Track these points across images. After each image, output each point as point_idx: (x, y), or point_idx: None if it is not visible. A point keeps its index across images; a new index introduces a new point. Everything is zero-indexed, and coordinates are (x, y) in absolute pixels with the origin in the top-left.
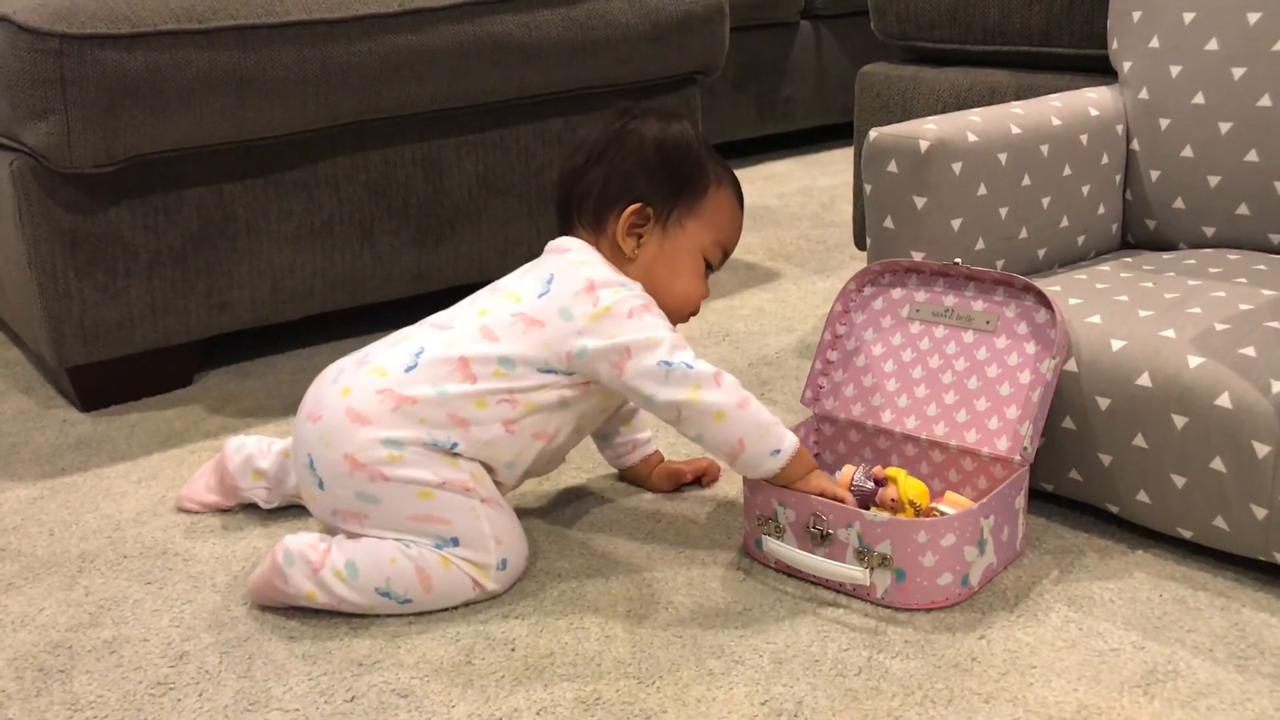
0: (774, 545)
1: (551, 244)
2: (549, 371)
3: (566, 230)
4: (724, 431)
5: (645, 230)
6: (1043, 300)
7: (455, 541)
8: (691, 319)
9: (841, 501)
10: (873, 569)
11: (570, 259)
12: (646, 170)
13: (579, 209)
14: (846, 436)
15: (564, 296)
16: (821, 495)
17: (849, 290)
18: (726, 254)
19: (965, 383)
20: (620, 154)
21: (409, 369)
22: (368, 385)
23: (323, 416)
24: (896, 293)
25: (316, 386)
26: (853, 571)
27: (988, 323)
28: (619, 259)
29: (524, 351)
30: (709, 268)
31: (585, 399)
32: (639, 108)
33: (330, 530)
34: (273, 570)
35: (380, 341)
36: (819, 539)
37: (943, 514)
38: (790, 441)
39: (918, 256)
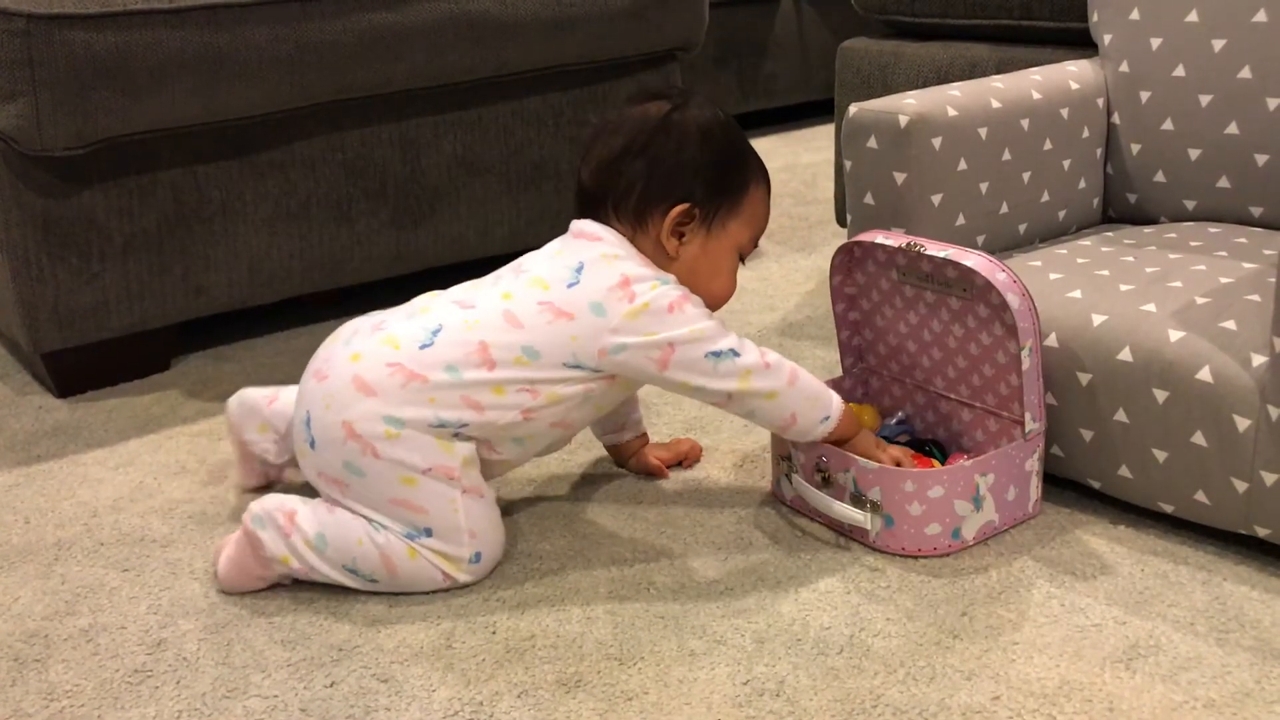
0: (793, 483)
1: (579, 226)
2: (575, 367)
3: (595, 216)
4: (777, 409)
5: (689, 229)
6: (991, 284)
7: (429, 532)
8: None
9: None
10: (868, 514)
11: (603, 250)
12: (693, 168)
13: (618, 203)
14: (891, 391)
15: (597, 291)
16: (863, 458)
17: (837, 262)
18: (756, 245)
19: (968, 349)
20: (665, 148)
21: (424, 346)
22: (379, 355)
23: (329, 377)
24: (880, 256)
25: (328, 345)
26: (854, 514)
27: (964, 290)
28: (660, 257)
29: (550, 343)
30: (740, 260)
31: (609, 391)
32: (676, 92)
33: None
34: (248, 538)
35: (398, 309)
36: (823, 481)
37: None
38: (837, 405)
39: (899, 233)
